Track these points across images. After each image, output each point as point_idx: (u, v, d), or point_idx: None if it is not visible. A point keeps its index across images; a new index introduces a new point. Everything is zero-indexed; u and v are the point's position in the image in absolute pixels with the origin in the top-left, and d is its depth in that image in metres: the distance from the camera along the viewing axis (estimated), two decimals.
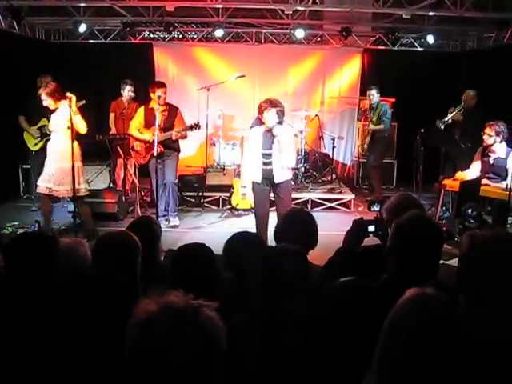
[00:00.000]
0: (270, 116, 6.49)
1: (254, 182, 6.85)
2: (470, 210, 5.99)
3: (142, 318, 1.48)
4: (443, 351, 1.62)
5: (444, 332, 1.65)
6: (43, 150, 7.68)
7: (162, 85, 8.10)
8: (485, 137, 7.32)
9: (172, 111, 8.21)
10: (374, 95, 10.21)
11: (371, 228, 3.39)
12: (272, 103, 6.55)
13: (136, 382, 1.48)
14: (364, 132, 11.00)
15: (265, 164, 6.63)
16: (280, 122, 6.58)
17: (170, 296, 1.53)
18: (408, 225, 2.66)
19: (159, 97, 7.77)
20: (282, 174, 6.68)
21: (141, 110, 8.31)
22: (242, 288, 2.86)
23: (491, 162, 7.39)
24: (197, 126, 8.17)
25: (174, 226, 8.41)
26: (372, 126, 10.20)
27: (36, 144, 8.71)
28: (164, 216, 8.36)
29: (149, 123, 8.04)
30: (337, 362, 2.22)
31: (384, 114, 10.11)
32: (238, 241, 3.33)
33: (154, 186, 8.06)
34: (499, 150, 7.31)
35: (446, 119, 8.76)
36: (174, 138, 8.01)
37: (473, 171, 7.52)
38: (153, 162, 7.78)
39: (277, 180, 6.64)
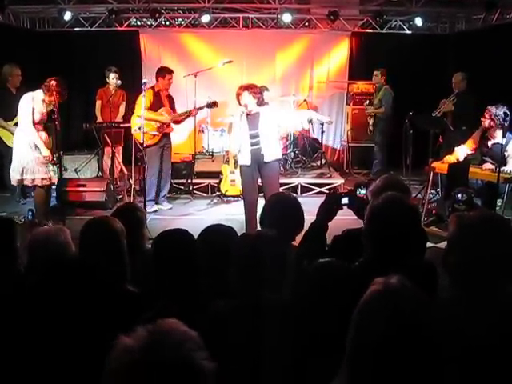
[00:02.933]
0: (245, 98, 6.54)
1: (241, 166, 6.84)
2: (460, 195, 5.97)
3: (115, 365, 1.30)
4: (413, 347, 1.58)
5: (412, 327, 1.60)
6: None
7: (171, 70, 8.61)
8: (482, 118, 7.25)
9: (171, 97, 8.71)
10: (377, 76, 10.29)
11: (345, 200, 3.37)
12: (243, 87, 6.66)
13: None
14: (358, 116, 10.98)
15: (252, 145, 6.64)
16: (259, 104, 6.64)
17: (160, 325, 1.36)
18: (381, 207, 2.63)
19: (169, 79, 8.46)
20: (272, 152, 6.68)
21: (149, 93, 8.23)
22: (220, 276, 2.82)
23: (489, 146, 7.33)
24: (215, 104, 9.06)
25: (169, 209, 8.76)
26: (372, 109, 10.23)
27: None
28: (154, 201, 8.51)
29: (155, 107, 8.31)
30: (321, 349, 2.19)
31: (385, 99, 10.18)
32: (210, 234, 3.31)
33: (153, 170, 8.32)
34: (498, 135, 7.20)
35: (436, 113, 8.75)
36: (193, 114, 8.70)
37: (464, 149, 7.43)
38: (156, 147, 8.36)
39: (266, 159, 6.63)
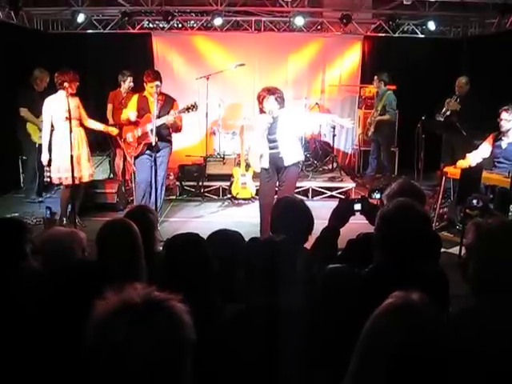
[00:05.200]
0: (270, 104, 6.49)
1: (262, 169, 6.81)
2: (475, 201, 5.92)
3: (97, 320, 1.40)
4: (428, 367, 1.54)
5: (430, 348, 1.56)
6: None
7: (157, 76, 7.53)
8: (502, 122, 7.22)
9: (168, 101, 7.70)
10: (383, 80, 10.24)
11: (357, 206, 3.36)
12: (269, 91, 6.56)
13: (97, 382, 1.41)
14: (365, 120, 10.91)
15: (271, 148, 6.61)
16: (281, 108, 6.59)
17: (129, 291, 1.44)
18: (392, 213, 2.61)
19: (157, 86, 7.24)
20: (291, 156, 6.63)
21: (134, 99, 7.84)
22: (226, 281, 2.82)
23: (504, 146, 7.30)
24: (193, 106, 7.55)
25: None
26: (378, 117, 10.16)
27: (41, 137, 8.70)
28: None
29: (142, 112, 7.59)
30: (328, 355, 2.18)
31: (389, 104, 10.09)
32: (216, 239, 3.31)
33: (141, 176, 7.66)
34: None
35: (443, 111, 8.72)
36: (171, 118, 7.38)
37: (477, 155, 7.41)
38: (144, 157, 7.53)
39: (286, 163, 6.60)
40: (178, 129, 7.71)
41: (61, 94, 7.12)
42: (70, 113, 6.82)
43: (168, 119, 7.34)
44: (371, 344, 1.61)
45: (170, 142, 7.86)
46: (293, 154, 6.65)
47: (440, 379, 1.56)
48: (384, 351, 1.55)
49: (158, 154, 7.24)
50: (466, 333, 1.92)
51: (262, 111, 6.68)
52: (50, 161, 7.32)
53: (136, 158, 7.73)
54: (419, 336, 1.56)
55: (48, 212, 7.45)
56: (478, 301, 2.13)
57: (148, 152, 7.45)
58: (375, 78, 10.48)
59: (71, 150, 6.82)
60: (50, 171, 7.37)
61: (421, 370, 1.53)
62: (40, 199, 9.12)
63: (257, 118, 6.91)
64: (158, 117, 7.25)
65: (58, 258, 2.95)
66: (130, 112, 7.55)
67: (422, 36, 11.81)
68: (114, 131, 8.05)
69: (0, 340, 2.41)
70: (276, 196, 6.84)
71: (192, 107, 7.50)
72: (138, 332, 1.36)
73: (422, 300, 1.64)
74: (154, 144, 7.03)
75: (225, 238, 3.34)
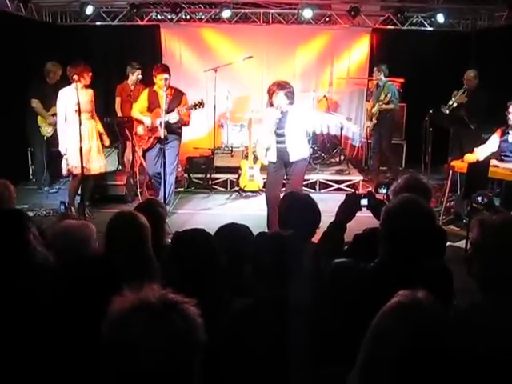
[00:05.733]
0: (280, 99, 6.49)
1: (269, 162, 6.84)
2: (480, 198, 5.95)
3: (114, 317, 1.46)
4: (433, 366, 1.58)
5: (435, 346, 1.59)
6: (54, 136, 7.87)
7: (165, 69, 7.78)
8: (510, 116, 7.23)
9: (177, 95, 7.92)
10: (383, 71, 10.21)
11: (364, 201, 3.39)
12: (280, 85, 6.55)
13: (110, 380, 1.47)
14: (368, 112, 10.90)
15: (279, 143, 6.63)
16: (290, 103, 6.59)
17: (146, 291, 1.49)
18: (396, 209, 2.64)
19: (165, 79, 7.51)
20: (297, 152, 6.65)
21: (144, 93, 8.13)
22: (233, 275, 2.86)
23: (510, 140, 7.32)
24: (200, 104, 7.86)
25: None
26: (384, 106, 10.12)
27: (50, 130, 8.95)
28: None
29: (152, 106, 7.85)
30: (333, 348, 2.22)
31: (393, 94, 10.06)
32: (225, 233, 3.34)
33: (151, 171, 8.08)
34: None
35: (450, 103, 8.73)
36: (178, 115, 7.66)
37: (485, 150, 7.43)
38: (155, 150, 7.79)
39: (292, 158, 6.62)
40: (185, 124, 7.96)
41: (74, 87, 7.17)
42: (79, 105, 6.87)
43: (175, 117, 7.63)
44: (378, 341, 1.65)
45: (179, 134, 8.07)
46: (299, 150, 6.68)
47: (446, 376, 1.60)
48: (390, 349, 1.59)
49: (166, 146, 7.49)
50: (471, 329, 1.95)
51: (271, 104, 6.68)
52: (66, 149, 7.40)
53: (147, 150, 7.99)
54: (425, 334, 1.60)
55: (62, 207, 7.53)
56: (484, 297, 2.16)
57: (158, 145, 7.64)
58: (375, 69, 10.48)
59: (80, 142, 6.89)
60: (67, 160, 7.42)
61: (427, 367, 1.57)
62: (51, 190, 9.26)
63: (266, 112, 6.94)
64: (167, 111, 7.45)
65: (70, 251, 2.99)
66: (145, 118, 7.85)
67: (431, 29, 11.75)
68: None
69: (12, 334, 2.45)
70: (283, 189, 6.88)
71: (199, 104, 7.76)
72: (154, 330, 1.42)
73: (428, 298, 1.67)
74: (162, 137, 7.19)
75: (233, 232, 3.38)
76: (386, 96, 10.03)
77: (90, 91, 7.52)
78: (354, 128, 7.43)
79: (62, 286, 2.37)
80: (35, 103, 9.01)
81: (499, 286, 2.12)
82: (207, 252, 2.83)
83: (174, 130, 7.85)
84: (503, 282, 2.12)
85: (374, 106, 10.33)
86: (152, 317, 1.43)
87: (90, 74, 7.42)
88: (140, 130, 8.04)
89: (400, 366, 1.57)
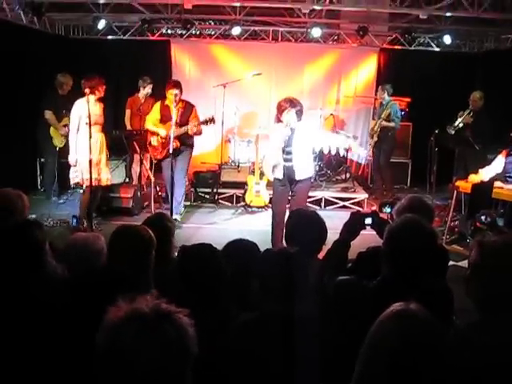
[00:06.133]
0: (289, 117, 6.55)
1: (275, 179, 6.88)
2: (483, 217, 6.00)
3: (108, 326, 1.51)
4: (425, 369, 1.65)
5: (426, 352, 1.67)
6: (66, 146, 8.06)
7: (176, 84, 8.11)
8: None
9: (188, 108, 8.25)
10: (387, 90, 10.33)
11: (368, 220, 3.45)
12: (292, 103, 6.61)
13: None
14: (370, 130, 11.00)
15: (286, 161, 6.67)
16: (299, 121, 6.67)
17: (140, 302, 1.54)
18: (399, 229, 2.71)
19: (176, 95, 7.84)
20: (304, 170, 6.71)
21: (157, 106, 8.39)
22: (241, 290, 2.93)
23: None
24: (211, 120, 8.15)
25: (176, 220, 8.08)
26: (384, 122, 10.23)
27: (62, 141, 9.12)
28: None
29: (164, 119, 8.13)
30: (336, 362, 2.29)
31: (395, 113, 10.17)
32: (234, 249, 3.41)
33: (167, 182, 8.12)
34: None
35: (456, 124, 8.81)
36: (190, 132, 8.02)
37: (490, 170, 7.47)
38: (168, 160, 7.87)
39: (298, 177, 6.68)
40: (199, 133, 8.29)
41: (90, 99, 7.26)
42: (90, 118, 6.96)
43: (188, 128, 7.97)
44: (374, 348, 1.74)
45: (191, 146, 8.41)
46: (305, 169, 6.74)
47: (439, 381, 1.67)
48: (385, 355, 1.68)
49: (179, 156, 8.10)
50: (467, 348, 2.01)
51: (279, 120, 6.72)
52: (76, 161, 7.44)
53: (161, 161, 8.36)
54: (418, 341, 1.68)
55: (74, 220, 7.56)
56: (480, 316, 2.22)
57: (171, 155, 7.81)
58: (379, 88, 10.60)
59: (90, 154, 6.99)
60: (77, 171, 7.45)
61: (420, 373, 1.64)
62: (60, 201, 9.36)
63: (273, 127, 6.95)
64: (179, 123, 7.89)
65: (82, 263, 3.07)
66: (160, 129, 8.15)
67: (438, 49, 11.89)
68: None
69: (20, 342, 2.52)
70: (288, 205, 6.94)
71: (210, 121, 8.06)
72: (146, 339, 1.46)
73: (421, 309, 1.76)
74: (171, 150, 7.54)
75: (241, 247, 3.44)
76: (387, 113, 10.14)
77: (102, 105, 7.63)
78: (361, 151, 7.51)
79: (75, 297, 2.44)
80: (48, 115, 9.16)
81: (495, 306, 2.18)
82: (213, 266, 2.90)
83: (185, 142, 8.21)
84: (499, 303, 2.17)
85: (376, 123, 10.44)
86: (144, 326, 1.47)
87: (104, 87, 7.54)
88: (154, 141, 8.32)
89: (394, 372, 1.65)
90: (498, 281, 2.18)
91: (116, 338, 1.47)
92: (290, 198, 7.01)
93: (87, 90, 7.10)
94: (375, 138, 10.42)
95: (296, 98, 6.82)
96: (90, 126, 7.00)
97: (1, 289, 2.71)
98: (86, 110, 6.97)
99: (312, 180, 7.29)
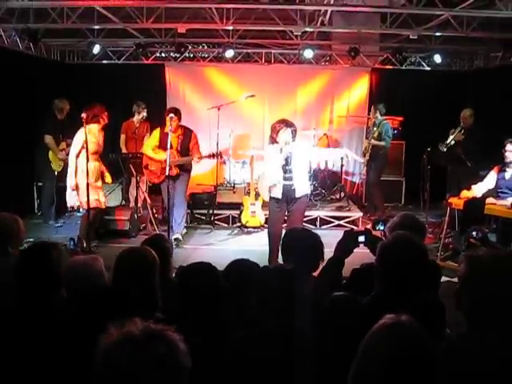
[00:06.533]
0: (286, 135, 6.67)
1: (271, 199, 6.93)
2: (474, 233, 6.09)
3: (102, 350, 1.57)
4: (415, 378, 1.73)
5: (415, 361, 1.74)
6: (64, 170, 8.16)
7: (171, 110, 8.23)
8: (507, 154, 7.41)
9: (187, 134, 8.36)
10: (380, 109, 10.45)
11: (361, 238, 3.53)
12: (287, 123, 6.76)
13: None
14: (364, 149, 11.11)
15: (286, 179, 6.76)
16: (293, 141, 6.79)
17: (130, 325, 1.60)
18: (390, 246, 2.80)
19: (171, 118, 7.95)
20: (302, 188, 6.83)
21: (156, 132, 8.48)
22: (242, 306, 3.00)
23: (507, 177, 7.48)
24: (219, 155, 8.61)
25: (177, 240, 8.33)
26: (373, 141, 10.36)
27: (60, 165, 9.25)
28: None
29: (163, 145, 8.10)
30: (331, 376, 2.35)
31: (386, 132, 10.30)
32: (237, 268, 3.49)
33: (166, 205, 8.12)
34: None
35: (447, 141, 8.94)
36: (195, 163, 8.28)
37: (482, 187, 7.58)
38: (165, 183, 7.91)
39: (297, 194, 6.76)
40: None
41: (94, 128, 7.37)
42: (86, 144, 7.03)
43: (194, 160, 8.23)
44: (365, 357, 1.81)
45: (188, 170, 8.55)
46: (304, 187, 6.86)
47: None
48: (376, 362, 1.76)
49: (177, 181, 8.28)
50: (455, 356, 2.09)
51: (274, 141, 6.81)
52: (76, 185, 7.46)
53: (158, 184, 8.59)
54: (406, 348, 1.76)
55: (72, 243, 7.61)
56: (469, 328, 2.29)
57: (169, 181, 7.85)
58: (372, 108, 10.75)
59: (87, 178, 7.04)
60: (78, 195, 7.46)
61: (409, 379, 1.72)
62: (57, 224, 9.40)
63: (269, 149, 7.01)
64: (179, 151, 8.18)
65: (81, 284, 3.14)
66: (162, 155, 8.13)
67: (429, 68, 12.08)
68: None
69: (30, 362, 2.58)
70: (284, 225, 7.01)
71: (216, 155, 8.49)
72: (140, 360, 1.53)
73: (410, 320, 1.84)
74: (167, 175, 7.63)
75: (242, 265, 3.52)
76: (377, 132, 10.27)
77: (102, 132, 7.71)
78: (357, 158, 7.63)
79: (79, 316, 2.51)
80: (49, 139, 9.27)
81: (482, 318, 2.24)
82: (213, 283, 2.97)
83: (184, 168, 8.37)
84: (486, 314, 2.24)
85: (369, 142, 10.57)
86: (136, 348, 1.54)
87: (107, 113, 7.62)
88: (151, 165, 8.43)
89: (385, 378, 1.72)
90: (484, 293, 2.25)
91: (110, 362, 1.53)
92: (286, 217, 7.09)
93: (84, 116, 7.13)
94: (367, 157, 10.52)
95: (290, 120, 6.96)
96: (87, 152, 7.07)
97: (25, 307, 2.81)
98: (83, 136, 7.04)
99: (308, 197, 7.35)
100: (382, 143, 10.30)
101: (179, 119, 8.20)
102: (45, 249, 3.11)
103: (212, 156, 8.42)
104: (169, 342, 1.58)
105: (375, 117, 10.52)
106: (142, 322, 1.63)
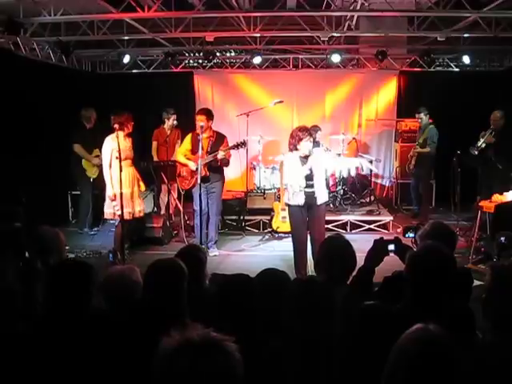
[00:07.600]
0: (309, 145, 6.78)
1: (292, 206, 6.94)
2: (502, 239, 6.06)
3: (162, 355, 1.62)
4: (440, 379, 1.79)
5: (439, 366, 1.81)
6: (100, 177, 8.28)
7: (200, 112, 8.24)
8: None
9: (219, 138, 8.28)
10: (422, 118, 10.42)
11: (391, 247, 3.58)
12: (309, 132, 6.85)
13: None
14: (406, 153, 11.06)
15: (308, 187, 6.83)
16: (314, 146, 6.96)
17: (191, 331, 1.65)
18: (420, 256, 2.85)
19: (200, 120, 7.96)
20: (323, 195, 6.96)
21: (188, 137, 8.47)
22: (277, 316, 3.07)
23: None
24: (243, 144, 8.33)
25: (214, 256, 8.26)
26: (418, 149, 10.34)
27: (95, 172, 9.43)
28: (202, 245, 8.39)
29: (195, 150, 8.12)
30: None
31: (431, 137, 10.25)
32: (266, 277, 3.55)
33: (196, 212, 8.16)
34: None
35: (478, 144, 8.85)
36: (218, 156, 8.00)
37: None
38: (196, 189, 7.90)
39: (319, 201, 6.86)
40: (227, 164, 8.33)
41: (119, 134, 7.37)
42: (120, 152, 7.13)
43: (218, 153, 7.99)
44: (396, 357, 1.88)
45: (222, 180, 8.49)
46: (324, 194, 7.02)
47: None
48: (403, 372, 1.83)
49: (211, 186, 8.17)
50: (479, 365, 2.14)
51: (295, 148, 6.83)
52: (115, 195, 7.44)
53: (189, 190, 8.46)
54: (432, 352, 1.82)
55: (111, 255, 7.68)
56: (493, 335, 2.34)
57: (202, 185, 7.84)
58: (417, 115, 10.65)
59: (121, 188, 7.16)
60: (117, 205, 7.40)
61: (434, 380, 1.79)
62: (91, 232, 9.56)
63: (290, 157, 6.97)
64: (209, 153, 8.00)
65: (118, 295, 3.24)
66: (190, 162, 8.21)
67: (457, 70, 11.99)
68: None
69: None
70: (309, 231, 7.01)
71: (242, 144, 8.25)
72: (199, 366, 1.58)
73: (438, 329, 1.90)
74: (199, 179, 7.65)
75: (272, 276, 3.58)
76: (424, 139, 10.24)
77: (130, 139, 7.83)
78: (371, 166, 7.67)
79: (114, 333, 2.60)
80: (77, 148, 9.48)
81: (506, 326, 2.29)
82: (250, 294, 3.04)
83: (216, 169, 8.24)
84: (509, 322, 2.29)
85: (414, 148, 10.59)
86: (196, 354, 1.59)
87: (133, 123, 7.73)
88: (183, 171, 8.45)
89: (412, 377, 1.80)
90: (507, 303, 2.29)
91: (172, 367, 1.58)
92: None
93: (116, 126, 7.26)
94: (413, 162, 10.53)
95: (307, 126, 7.07)
96: (120, 160, 7.15)
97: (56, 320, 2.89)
98: (116, 145, 7.12)
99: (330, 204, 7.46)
100: (427, 149, 10.26)
101: (208, 119, 8.09)
102: (76, 267, 3.18)
103: (237, 146, 8.25)
104: (227, 352, 1.63)
105: (420, 119, 10.48)
106: (202, 328, 1.69)
